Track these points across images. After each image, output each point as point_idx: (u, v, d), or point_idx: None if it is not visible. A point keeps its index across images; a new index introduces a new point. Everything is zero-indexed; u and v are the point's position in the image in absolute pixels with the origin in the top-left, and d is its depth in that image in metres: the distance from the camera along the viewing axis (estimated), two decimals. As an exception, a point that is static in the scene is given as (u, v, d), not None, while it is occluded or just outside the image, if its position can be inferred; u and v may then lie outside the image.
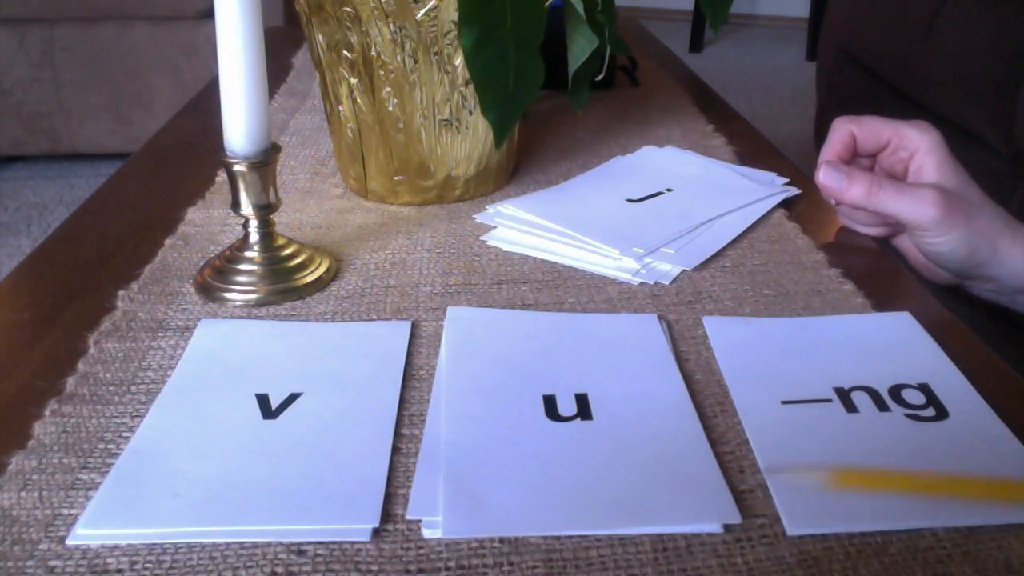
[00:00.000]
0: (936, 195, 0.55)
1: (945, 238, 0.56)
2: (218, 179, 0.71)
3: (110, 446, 0.40)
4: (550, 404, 0.43)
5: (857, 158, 0.64)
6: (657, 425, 0.42)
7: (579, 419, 0.42)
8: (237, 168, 0.51)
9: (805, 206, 0.68)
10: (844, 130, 0.63)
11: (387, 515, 0.36)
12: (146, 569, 0.34)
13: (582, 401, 0.43)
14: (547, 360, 0.47)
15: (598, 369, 0.46)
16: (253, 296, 0.53)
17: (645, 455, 0.40)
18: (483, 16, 0.54)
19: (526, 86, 0.58)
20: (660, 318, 0.51)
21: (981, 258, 0.56)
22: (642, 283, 0.55)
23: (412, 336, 0.49)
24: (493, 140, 0.66)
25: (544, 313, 0.52)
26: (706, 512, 0.36)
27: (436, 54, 0.60)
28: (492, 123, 0.58)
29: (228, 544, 0.35)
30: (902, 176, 0.61)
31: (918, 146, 0.59)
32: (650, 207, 0.65)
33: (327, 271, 0.56)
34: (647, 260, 0.57)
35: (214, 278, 0.54)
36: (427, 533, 0.35)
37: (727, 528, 0.36)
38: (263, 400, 0.43)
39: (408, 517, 0.36)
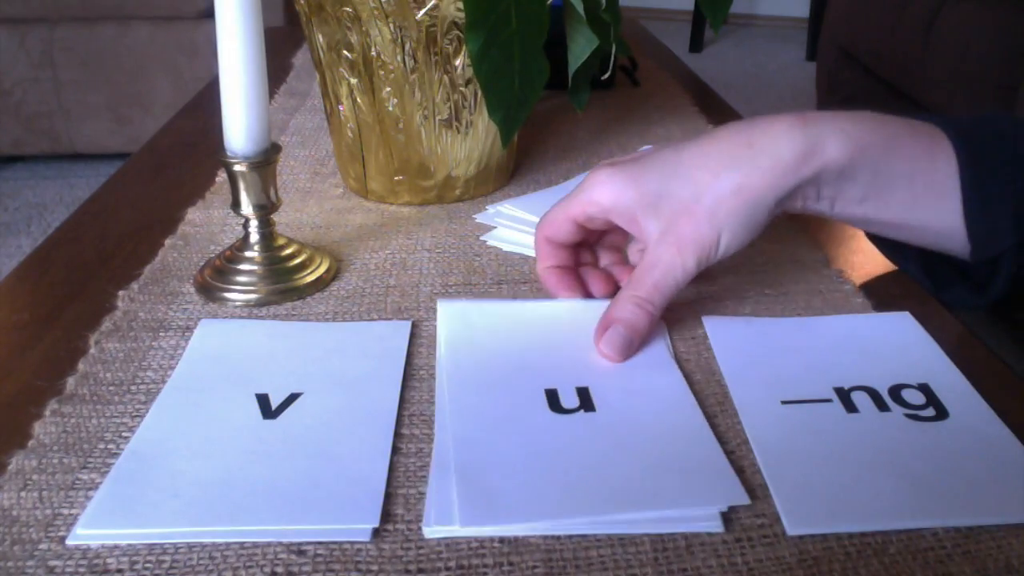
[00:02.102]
0: (672, 251, 0.47)
1: (720, 257, 0.47)
2: (218, 179, 0.71)
3: (110, 446, 0.40)
4: (552, 397, 0.43)
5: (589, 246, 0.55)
6: (660, 414, 0.42)
7: (582, 411, 0.42)
8: (237, 168, 0.51)
9: (805, 206, 0.67)
10: (543, 238, 0.52)
11: (387, 515, 0.36)
12: (146, 569, 0.34)
13: (584, 394, 0.44)
14: (546, 353, 0.47)
15: (598, 362, 0.46)
16: (253, 296, 0.53)
17: (650, 442, 0.40)
18: (488, 20, 0.54)
19: (532, 86, 0.58)
20: None
21: (749, 225, 0.46)
22: (642, 283, 0.55)
23: (412, 336, 0.49)
24: (497, 140, 0.66)
25: (536, 302, 0.52)
26: (713, 494, 0.36)
27: (436, 54, 0.60)
28: (499, 124, 0.58)
29: (228, 544, 0.35)
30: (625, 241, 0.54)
31: (606, 222, 0.50)
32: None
33: (327, 271, 0.56)
34: (647, 260, 0.57)
35: (214, 278, 0.54)
36: (427, 533, 0.35)
37: (727, 528, 0.36)
38: (263, 400, 0.43)
39: (425, 527, 0.36)
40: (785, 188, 0.47)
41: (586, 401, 0.43)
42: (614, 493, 0.37)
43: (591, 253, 0.55)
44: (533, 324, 0.50)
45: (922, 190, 0.48)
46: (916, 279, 0.55)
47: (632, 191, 0.48)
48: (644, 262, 0.48)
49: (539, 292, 0.54)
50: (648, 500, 0.36)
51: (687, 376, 0.46)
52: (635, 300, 0.47)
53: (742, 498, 0.36)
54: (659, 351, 0.47)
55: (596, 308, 0.52)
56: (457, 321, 0.50)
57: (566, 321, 0.50)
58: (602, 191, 0.48)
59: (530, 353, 0.47)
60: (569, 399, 0.43)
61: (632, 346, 0.47)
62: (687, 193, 0.47)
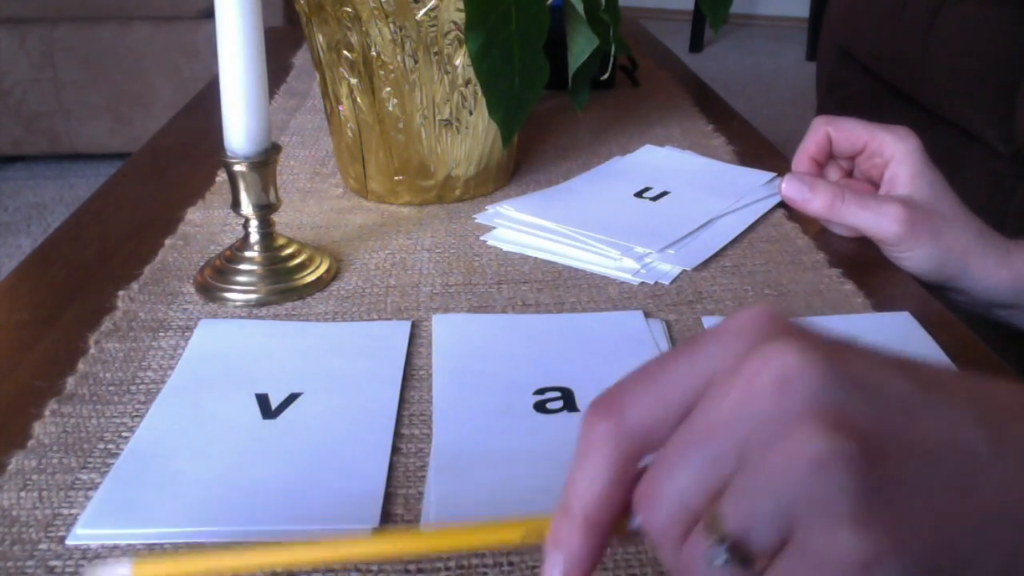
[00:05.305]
0: (900, 210, 0.54)
1: (909, 253, 0.55)
2: (218, 179, 0.71)
3: (110, 446, 0.40)
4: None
5: (836, 159, 0.63)
6: None
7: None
8: (237, 168, 0.51)
9: (805, 206, 0.67)
10: (820, 131, 0.61)
11: (387, 515, 0.36)
12: (146, 569, 0.34)
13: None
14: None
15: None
16: (253, 296, 0.53)
17: None
18: (488, 20, 0.54)
19: (531, 86, 0.58)
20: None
21: (949, 273, 0.55)
22: (642, 283, 0.55)
23: (412, 336, 0.49)
24: (497, 140, 0.66)
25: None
26: None
27: (436, 54, 0.60)
28: (498, 123, 0.58)
29: (228, 544, 0.35)
30: (878, 182, 0.60)
31: (893, 154, 0.57)
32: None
33: (327, 271, 0.56)
34: (647, 260, 0.57)
35: (214, 278, 0.54)
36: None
37: (727, 528, 0.36)
38: (263, 400, 0.43)
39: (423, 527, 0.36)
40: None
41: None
42: None
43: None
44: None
45: None
46: None
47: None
48: (873, 198, 0.57)
49: (539, 292, 0.54)
50: None
51: (687, 376, 0.46)
52: (836, 194, 0.57)
53: None
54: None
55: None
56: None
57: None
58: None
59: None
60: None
61: (803, 195, 0.58)
62: (963, 225, 0.55)
